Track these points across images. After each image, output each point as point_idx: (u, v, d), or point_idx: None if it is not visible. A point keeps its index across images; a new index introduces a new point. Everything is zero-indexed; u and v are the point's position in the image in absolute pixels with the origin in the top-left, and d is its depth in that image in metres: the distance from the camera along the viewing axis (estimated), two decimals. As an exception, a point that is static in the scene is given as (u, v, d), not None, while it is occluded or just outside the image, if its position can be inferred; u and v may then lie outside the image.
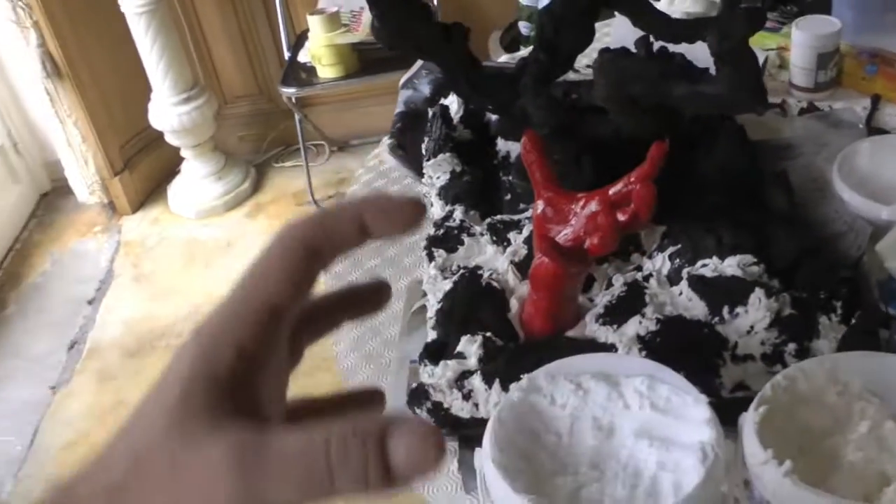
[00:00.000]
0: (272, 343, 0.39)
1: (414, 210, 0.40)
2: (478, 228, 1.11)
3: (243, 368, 0.37)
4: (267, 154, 3.33)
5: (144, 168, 3.24)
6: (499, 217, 1.13)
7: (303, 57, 2.80)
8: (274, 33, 3.05)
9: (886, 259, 0.94)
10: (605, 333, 0.92)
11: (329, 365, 2.38)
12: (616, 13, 1.11)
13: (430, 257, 1.09)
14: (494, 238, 1.09)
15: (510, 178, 1.19)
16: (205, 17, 3.10)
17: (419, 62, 1.47)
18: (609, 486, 0.72)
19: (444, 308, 1.01)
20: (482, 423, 0.87)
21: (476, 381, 0.89)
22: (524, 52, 1.85)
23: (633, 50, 1.03)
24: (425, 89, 1.43)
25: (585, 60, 1.31)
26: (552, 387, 0.80)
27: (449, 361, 0.92)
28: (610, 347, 0.90)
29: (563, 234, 0.92)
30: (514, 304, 0.99)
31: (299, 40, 2.89)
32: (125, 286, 2.84)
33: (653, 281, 0.96)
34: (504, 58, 1.82)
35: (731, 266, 0.94)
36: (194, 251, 2.94)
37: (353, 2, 2.70)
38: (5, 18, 2.81)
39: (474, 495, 0.87)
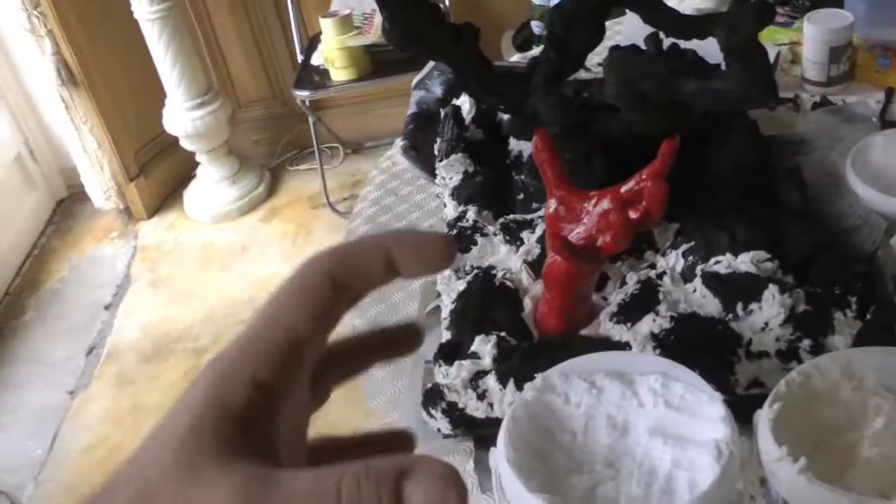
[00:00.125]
0: (291, 378, 0.37)
1: (445, 248, 0.39)
2: (491, 228, 1.11)
3: (259, 402, 0.35)
4: (281, 157, 3.34)
5: (159, 173, 3.25)
6: (512, 216, 1.13)
7: (316, 60, 2.81)
8: (287, 37, 3.06)
9: (902, 253, 0.94)
10: (619, 332, 0.91)
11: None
12: (627, 11, 1.11)
13: (444, 258, 1.09)
14: (507, 238, 1.09)
15: (523, 177, 1.19)
16: (218, 22, 3.11)
17: (431, 63, 1.48)
18: (624, 485, 0.72)
19: (457, 308, 1.01)
20: (497, 422, 0.87)
21: (490, 381, 0.89)
22: (536, 51, 1.85)
23: (644, 47, 1.03)
24: (437, 90, 1.43)
25: (596, 59, 1.31)
26: (566, 385, 0.80)
27: (463, 361, 0.92)
28: (624, 346, 0.90)
29: (576, 233, 0.92)
30: (527, 303, 0.99)
31: (312, 43, 2.90)
32: (142, 291, 2.85)
33: (666, 278, 0.96)
34: (516, 57, 1.82)
35: (744, 262, 0.93)
36: (210, 255, 2.95)
37: (365, 4, 2.70)
38: (21, 27, 2.83)
39: (490, 495, 0.87)
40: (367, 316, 1.14)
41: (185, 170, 3.22)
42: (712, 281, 0.93)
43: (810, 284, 0.92)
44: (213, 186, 3.12)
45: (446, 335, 1.00)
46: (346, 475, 0.33)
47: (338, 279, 0.38)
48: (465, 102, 1.34)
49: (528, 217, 1.11)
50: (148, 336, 2.65)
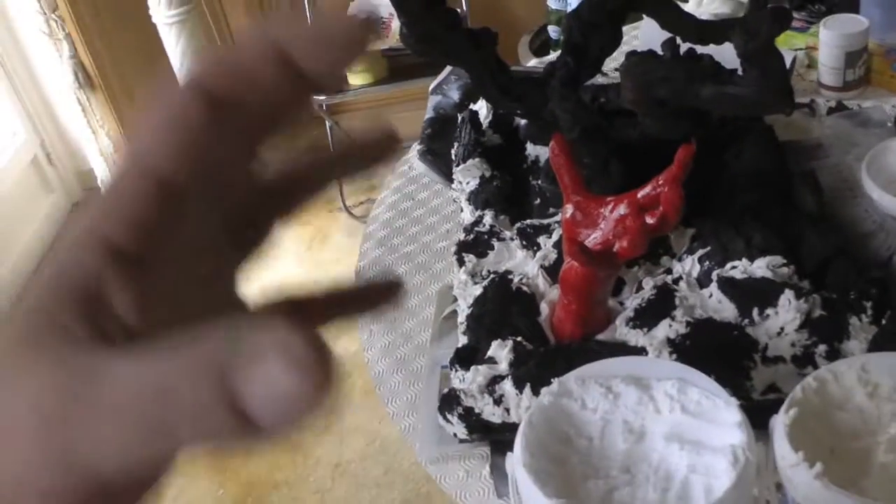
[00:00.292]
0: (164, 234, 0.29)
1: (354, 26, 0.29)
2: (507, 233, 1.12)
3: (110, 272, 0.28)
4: (297, 161, 3.35)
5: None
6: (528, 221, 1.13)
7: (332, 64, 2.81)
8: (303, 41, 3.06)
9: (918, 259, 0.93)
10: (635, 337, 0.92)
11: (361, 371, 2.39)
12: (644, 16, 1.11)
13: (461, 262, 1.10)
14: (524, 242, 1.09)
15: (539, 182, 1.19)
16: (235, 25, 3.13)
17: (448, 68, 1.48)
18: (640, 490, 0.72)
19: (474, 313, 1.01)
20: (513, 427, 0.88)
21: (507, 386, 0.90)
22: (553, 56, 1.86)
23: (660, 52, 1.03)
24: (454, 95, 1.44)
25: (613, 64, 1.31)
26: (583, 390, 0.80)
27: (480, 366, 0.92)
28: (640, 350, 0.90)
29: (593, 238, 0.92)
30: (544, 308, 1.00)
31: (328, 48, 2.90)
32: (158, 294, 2.86)
33: (682, 283, 0.96)
34: (533, 62, 1.83)
35: (760, 268, 0.93)
36: (226, 259, 2.96)
37: (383, 8, 2.71)
38: (38, 30, 2.85)
39: (506, 500, 0.87)
40: (383, 320, 1.15)
41: (202, 173, 3.23)
42: (728, 286, 0.93)
43: (826, 289, 0.92)
44: (229, 190, 3.13)
45: (463, 340, 1.00)
46: (176, 364, 0.25)
47: (215, 93, 0.29)
48: (482, 107, 1.35)
49: (545, 222, 1.12)
50: (164, 339, 2.66)
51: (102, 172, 3.11)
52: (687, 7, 1.35)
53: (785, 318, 0.88)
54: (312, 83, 0.30)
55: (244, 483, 2.13)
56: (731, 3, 1.52)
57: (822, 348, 0.87)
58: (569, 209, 0.96)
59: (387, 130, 0.36)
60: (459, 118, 1.35)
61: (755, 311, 0.90)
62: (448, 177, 1.32)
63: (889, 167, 1.07)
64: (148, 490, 0.30)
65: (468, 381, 0.92)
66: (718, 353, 0.87)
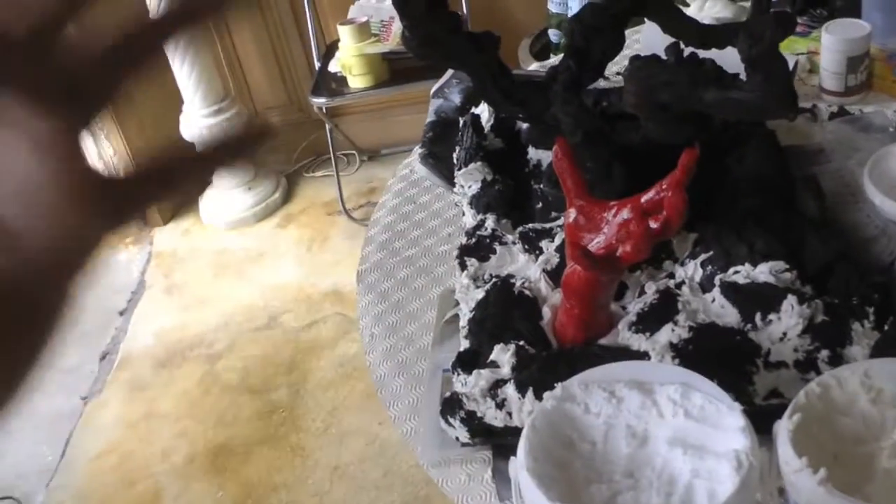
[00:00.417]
0: None
1: None
2: (510, 237, 1.12)
3: None
4: (297, 164, 3.35)
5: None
6: (530, 225, 1.13)
7: (333, 67, 2.82)
8: (304, 44, 3.07)
9: (920, 264, 0.94)
10: (637, 341, 0.92)
11: (361, 374, 2.40)
12: (646, 20, 1.11)
13: (463, 266, 1.10)
14: (526, 247, 1.09)
15: (541, 186, 1.19)
16: (235, 28, 3.13)
17: (450, 71, 1.48)
18: (644, 495, 0.72)
19: (476, 317, 1.01)
20: (516, 431, 0.88)
21: (509, 390, 0.90)
22: (554, 60, 1.86)
23: (664, 56, 1.03)
24: (456, 98, 1.44)
25: (615, 68, 1.31)
26: (586, 395, 0.80)
27: (482, 370, 0.92)
28: (643, 355, 0.90)
29: (596, 243, 0.92)
30: (546, 312, 1.00)
31: (329, 50, 2.91)
32: (156, 297, 2.86)
33: (685, 288, 0.96)
34: (534, 66, 1.83)
35: (763, 273, 0.93)
36: (225, 262, 2.96)
37: (383, 12, 2.72)
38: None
39: (509, 503, 0.87)
40: (385, 324, 1.15)
41: (202, 176, 3.23)
42: (731, 291, 0.93)
43: (828, 295, 0.92)
44: (228, 193, 3.14)
45: (465, 344, 1.00)
46: None
47: None
48: (484, 111, 1.35)
49: (547, 226, 1.12)
50: (162, 342, 2.66)
51: (102, 175, 3.10)
52: (689, 11, 1.35)
53: (788, 323, 0.88)
54: None
55: (243, 485, 2.13)
56: (733, 8, 1.52)
57: (824, 353, 0.87)
58: (572, 213, 0.96)
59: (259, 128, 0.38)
60: (461, 122, 1.35)
61: (758, 316, 0.90)
62: (449, 180, 1.32)
63: (891, 172, 1.07)
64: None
65: (470, 384, 0.92)
66: (721, 357, 0.87)
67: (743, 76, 0.99)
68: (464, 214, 1.22)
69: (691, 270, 0.99)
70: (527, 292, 1.02)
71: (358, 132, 3.27)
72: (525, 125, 1.30)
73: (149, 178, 0.37)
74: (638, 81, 0.94)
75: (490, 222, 1.14)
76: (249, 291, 2.79)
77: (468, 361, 0.96)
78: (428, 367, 1.05)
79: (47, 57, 0.33)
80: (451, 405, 0.92)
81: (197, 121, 2.95)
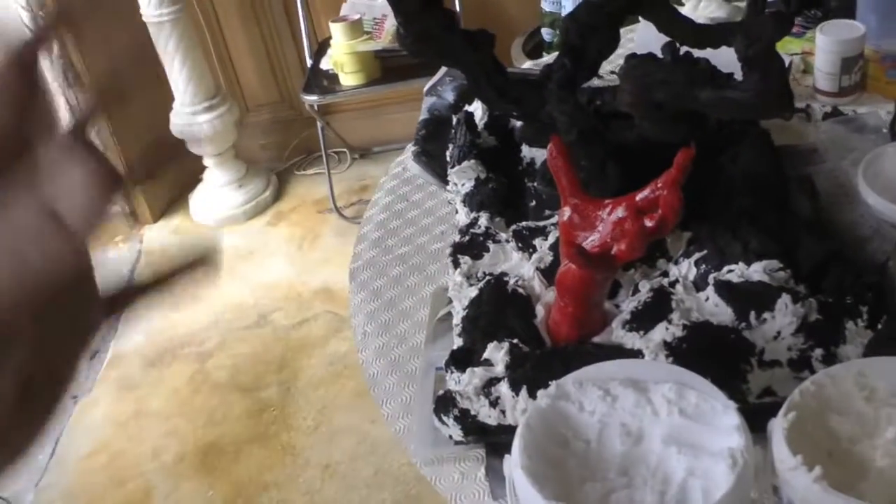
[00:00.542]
0: None
1: None
2: (503, 235, 1.12)
3: None
4: (289, 162, 3.34)
5: (166, 177, 3.25)
6: (524, 223, 1.13)
7: (325, 64, 2.81)
8: (296, 41, 3.07)
9: (912, 264, 0.94)
10: (631, 339, 0.92)
11: (351, 372, 2.39)
12: (640, 18, 1.11)
13: (456, 264, 1.09)
14: (520, 245, 1.09)
15: (535, 184, 1.19)
16: (227, 25, 3.12)
17: (443, 69, 1.48)
18: (638, 493, 0.72)
19: (470, 315, 1.01)
20: (509, 430, 0.88)
21: (503, 388, 0.89)
22: (548, 58, 1.86)
23: (660, 55, 1.03)
24: (449, 96, 1.44)
25: (609, 66, 1.31)
26: (580, 393, 0.80)
27: (476, 368, 0.92)
28: (636, 353, 0.90)
29: (590, 241, 0.92)
30: (539, 310, 1.00)
31: (321, 48, 2.91)
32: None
33: (679, 287, 0.96)
34: (528, 64, 1.83)
35: (757, 272, 0.93)
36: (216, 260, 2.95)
37: (376, 9, 2.71)
38: (25, 28, 2.82)
39: (502, 502, 0.87)
40: (377, 322, 1.14)
41: (192, 173, 3.22)
42: (725, 290, 0.93)
43: (822, 294, 0.92)
44: (219, 190, 3.13)
45: (458, 342, 1.00)
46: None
47: None
48: (477, 109, 1.35)
49: (541, 224, 1.12)
50: (152, 341, 2.65)
51: (92, 172, 3.09)
52: (683, 10, 1.35)
53: (782, 322, 0.88)
54: None
55: (234, 484, 2.13)
56: (727, 8, 1.52)
57: (818, 352, 0.87)
58: (566, 212, 0.95)
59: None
60: (454, 120, 1.35)
61: (752, 315, 0.90)
62: (443, 178, 1.31)
63: (885, 173, 1.07)
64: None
65: (464, 382, 0.92)
66: (715, 356, 0.87)
67: (737, 76, 0.99)
68: (457, 212, 1.22)
69: (685, 269, 0.99)
70: (520, 290, 1.02)
71: (349, 130, 3.26)
72: (518, 123, 1.30)
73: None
74: (634, 80, 0.94)
75: (483, 220, 1.14)
76: (240, 289, 2.78)
77: (462, 359, 0.95)
78: (421, 365, 1.05)
79: None
80: (444, 403, 0.91)
81: (187, 117, 2.94)
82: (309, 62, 2.90)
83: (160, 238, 3.11)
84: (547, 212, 1.15)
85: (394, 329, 1.13)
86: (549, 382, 0.84)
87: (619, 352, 0.91)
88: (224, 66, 3.20)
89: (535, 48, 2.75)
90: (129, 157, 3.08)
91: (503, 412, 0.89)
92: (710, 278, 0.95)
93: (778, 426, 0.73)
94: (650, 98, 0.94)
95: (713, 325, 0.91)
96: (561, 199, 0.97)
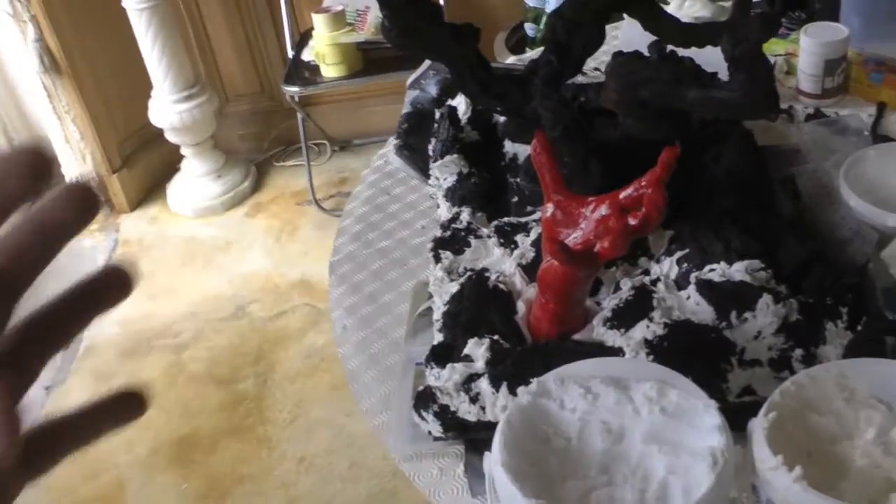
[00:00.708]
0: None
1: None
2: (485, 230, 1.11)
3: None
4: (268, 153, 3.33)
5: (143, 166, 3.23)
6: (506, 219, 1.13)
7: (306, 55, 2.80)
8: (277, 31, 3.05)
9: (892, 266, 0.94)
10: (612, 337, 0.91)
11: (329, 365, 2.38)
12: (625, 16, 1.11)
13: (437, 259, 1.09)
14: (502, 240, 1.09)
15: (518, 180, 1.19)
16: (207, 13, 3.10)
17: (426, 62, 1.47)
18: (618, 491, 0.72)
19: (450, 310, 1.01)
20: (489, 426, 0.88)
21: (483, 385, 0.89)
22: (532, 53, 1.85)
23: (645, 53, 1.03)
24: (432, 90, 1.43)
25: (592, 63, 1.31)
26: (562, 391, 0.80)
27: (456, 364, 0.92)
28: (617, 351, 0.90)
29: (573, 238, 0.92)
30: (520, 306, 0.99)
31: (303, 39, 2.89)
32: (123, 284, 2.83)
33: (660, 285, 0.96)
34: (511, 59, 1.82)
35: (738, 271, 0.94)
36: (193, 250, 2.94)
37: (359, 1, 2.70)
38: (2, 11, 2.79)
39: (481, 499, 0.86)
40: (357, 316, 1.14)
41: (170, 163, 3.20)
42: (706, 289, 0.93)
43: (802, 294, 0.93)
44: (197, 180, 3.11)
45: (438, 337, 1.00)
46: None
47: None
48: (460, 103, 1.34)
49: (523, 220, 1.11)
50: (127, 331, 2.63)
51: (68, 160, 3.07)
52: (668, 9, 1.35)
53: (763, 321, 0.88)
54: None
55: (208, 477, 2.12)
56: (712, 7, 1.52)
57: (798, 352, 0.87)
58: (549, 208, 0.95)
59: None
60: (437, 114, 1.35)
61: (733, 315, 0.90)
62: (424, 172, 1.31)
63: (866, 175, 1.08)
64: None
65: (444, 378, 0.91)
66: (695, 355, 0.88)
67: (721, 76, 0.99)
68: (438, 207, 1.22)
69: (667, 267, 0.99)
70: (501, 286, 1.02)
71: (330, 122, 3.25)
72: (502, 118, 1.30)
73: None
74: (620, 78, 0.94)
75: (465, 215, 1.14)
76: (217, 281, 2.76)
77: (442, 355, 0.95)
78: (401, 360, 1.04)
79: None
80: (424, 399, 0.91)
81: (166, 106, 2.92)
82: (290, 53, 2.89)
83: (137, 228, 3.09)
84: (529, 208, 1.15)
85: (374, 324, 1.12)
86: (530, 379, 0.84)
87: (600, 349, 0.91)
88: (204, 56, 3.18)
89: (518, 43, 2.75)
90: (106, 145, 3.06)
91: (483, 408, 0.89)
92: (692, 277, 0.96)
93: (758, 426, 0.73)
94: (636, 96, 0.94)
95: (694, 323, 0.91)
96: (544, 195, 0.97)
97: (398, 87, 1.53)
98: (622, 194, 0.89)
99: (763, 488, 0.72)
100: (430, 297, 1.07)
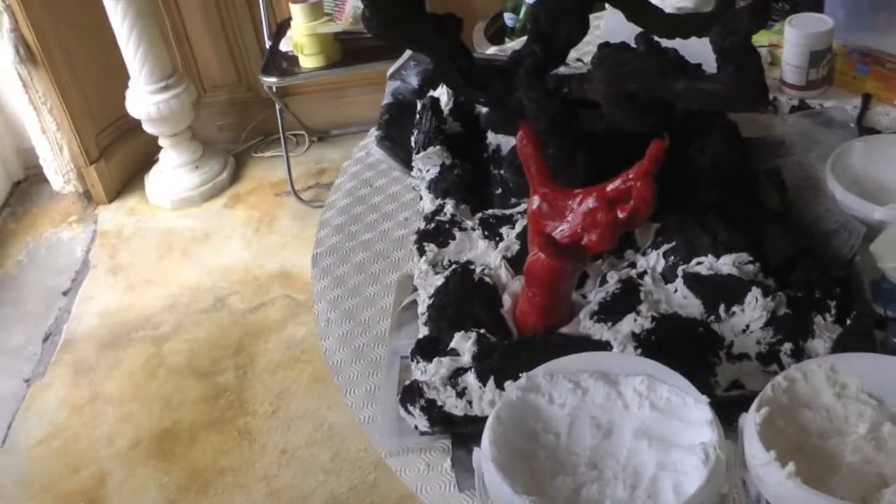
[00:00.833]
0: None
1: None
2: (469, 223, 1.10)
3: None
4: (246, 144, 3.30)
5: (121, 157, 3.20)
6: (491, 211, 1.12)
7: (284, 46, 2.78)
8: (255, 21, 3.02)
9: (880, 259, 0.94)
10: (599, 331, 0.91)
11: (309, 357, 2.37)
12: (607, 5, 1.10)
13: (421, 252, 1.08)
14: (486, 233, 1.08)
15: (502, 171, 1.18)
16: (184, 3, 3.07)
17: (407, 53, 1.46)
18: (608, 487, 0.71)
19: (436, 304, 1.00)
20: (476, 420, 0.87)
21: (470, 379, 0.88)
22: (512, 44, 1.84)
23: (628, 43, 1.02)
24: (413, 80, 1.42)
25: (575, 54, 1.30)
26: (551, 386, 0.79)
27: (442, 358, 0.91)
28: (605, 345, 0.89)
29: (560, 231, 0.91)
30: (506, 300, 0.99)
31: (281, 29, 2.87)
32: (101, 277, 2.81)
33: (647, 278, 0.96)
34: (492, 50, 1.81)
35: (726, 264, 0.93)
36: (171, 242, 2.91)
37: (336, -10, 2.68)
38: (-24, 2, 2.76)
39: (468, 494, 0.86)
40: (341, 309, 1.13)
41: (148, 154, 3.17)
42: (694, 282, 0.93)
43: (790, 287, 0.92)
44: (175, 171, 3.08)
45: (424, 330, 0.99)
46: None
47: None
48: (442, 94, 1.33)
49: (508, 212, 1.11)
50: (107, 324, 2.61)
51: (44, 150, 3.03)
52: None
53: (751, 315, 0.88)
54: None
55: (189, 470, 2.10)
56: (695, -2, 1.52)
57: (787, 346, 0.87)
58: (535, 201, 0.95)
59: None
60: (419, 105, 1.33)
61: (721, 308, 0.89)
62: (406, 164, 1.30)
63: (852, 167, 1.07)
64: None
65: (430, 372, 0.90)
66: (684, 348, 0.87)
67: (705, 67, 0.98)
68: (421, 199, 1.21)
69: (653, 260, 0.98)
70: (487, 279, 1.01)
71: (308, 112, 3.23)
72: (484, 109, 1.29)
73: None
74: (607, 69, 0.93)
75: (449, 207, 1.13)
76: (196, 272, 2.74)
77: (427, 349, 0.94)
78: (386, 353, 1.03)
79: None
80: (410, 393, 0.90)
81: (143, 97, 2.89)
82: (268, 43, 2.87)
83: (115, 219, 3.06)
84: (513, 200, 1.14)
85: (358, 316, 1.11)
86: (517, 373, 0.84)
87: (587, 343, 0.90)
88: (181, 46, 3.15)
89: (497, 33, 2.74)
90: (83, 136, 3.03)
91: (470, 403, 0.88)
92: (679, 270, 0.95)
93: (750, 421, 0.72)
94: (623, 88, 0.93)
95: (682, 317, 0.91)
96: (530, 187, 0.96)
97: (376, 78, 1.52)
98: (609, 187, 0.88)
99: (754, 484, 0.71)
100: (415, 289, 1.07)
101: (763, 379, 0.84)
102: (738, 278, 0.91)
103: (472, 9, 2.85)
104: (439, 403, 0.89)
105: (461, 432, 0.90)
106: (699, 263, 0.95)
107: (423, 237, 1.10)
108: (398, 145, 1.35)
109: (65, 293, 2.75)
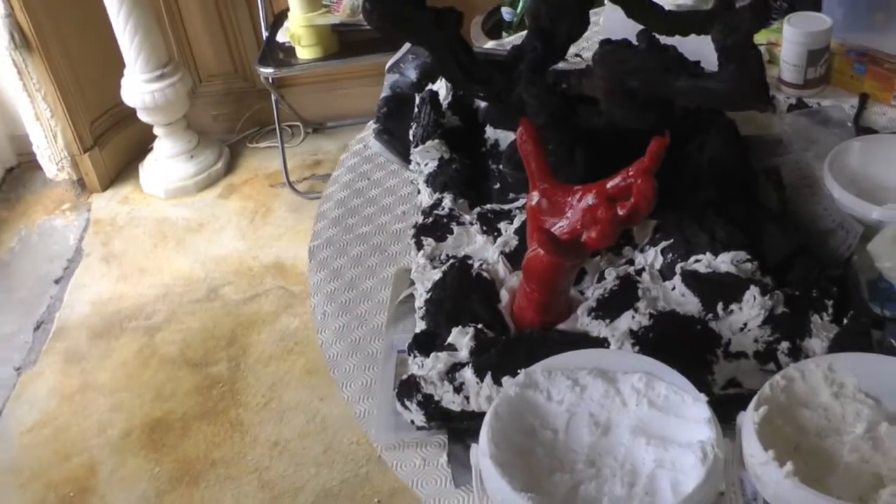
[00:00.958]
0: None
1: None
2: (467, 217, 1.10)
3: None
4: (241, 134, 3.29)
5: (115, 145, 3.19)
6: (489, 206, 1.12)
7: (281, 37, 2.77)
8: (252, 12, 3.01)
9: (877, 259, 0.94)
10: (597, 327, 0.91)
11: (302, 349, 2.37)
12: (606, 2, 1.10)
13: (419, 246, 1.08)
14: (484, 228, 1.08)
15: (500, 166, 1.18)
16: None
17: (406, 46, 1.46)
18: (607, 484, 0.72)
19: (433, 298, 1.00)
20: (473, 416, 0.87)
21: (467, 374, 0.88)
22: (511, 38, 1.84)
23: (627, 39, 1.02)
24: (412, 74, 1.42)
25: (574, 49, 1.30)
26: (549, 382, 0.79)
27: (440, 353, 0.91)
28: (602, 341, 0.89)
29: (559, 227, 0.91)
30: (504, 295, 0.99)
31: (278, 19, 2.86)
32: (94, 266, 2.80)
33: (645, 275, 0.96)
34: (490, 44, 1.81)
35: (724, 262, 0.93)
36: (165, 231, 2.90)
37: (334, -18, 2.67)
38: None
39: (464, 489, 0.86)
40: (337, 302, 1.13)
41: (142, 143, 3.16)
42: (692, 279, 0.93)
43: (787, 286, 0.92)
44: (170, 160, 3.07)
45: (421, 325, 0.99)
46: None
47: None
48: (441, 88, 1.33)
49: (506, 207, 1.11)
50: (99, 312, 2.60)
51: (38, 137, 3.02)
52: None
53: (749, 313, 0.88)
54: None
55: (181, 461, 2.10)
56: (695, -5, 1.52)
57: (784, 345, 0.87)
58: (535, 196, 0.94)
59: None
60: (418, 98, 1.33)
61: (719, 306, 0.90)
62: (404, 157, 1.30)
63: (850, 167, 1.08)
64: None
65: (427, 367, 0.90)
66: (681, 346, 0.87)
67: (705, 65, 0.98)
68: (419, 192, 1.20)
69: (651, 257, 0.98)
70: (484, 274, 1.01)
71: (304, 104, 3.22)
72: (483, 104, 1.28)
73: None
74: (608, 66, 0.93)
75: (447, 201, 1.13)
76: (189, 262, 2.73)
77: (425, 343, 0.94)
78: (382, 347, 1.03)
79: None
80: (407, 388, 0.90)
81: (138, 85, 2.88)
82: (265, 34, 2.86)
83: (109, 208, 3.05)
84: (511, 195, 1.14)
85: (354, 310, 1.11)
86: (514, 369, 0.84)
87: (585, 339, 0.90)
88: (177, 35, 3.14)
89: (494, 27, 2.73)
90: (78, 123, 3.02)
91: (467, 398, 0.88)
92: (677, 268, 0.95)
93: (748, 420, 0.72)
94: (624, 85, 0.93)
95: (679, 314, 0.91)
96: (529, 183, 0.96)
97: (373, 70, 1.51)
98: (610, 184, 0.88)
99: (751, 482, 0.71)
100: (412, 283, 1.06)
101: (760, 377, 0.84)
102: (735, 276, 0.91)
103: (470, 3, 2.84)
104: (436, 398, 0.89)
105: (458, 427, 0.90)
106: (697, 261, 0.95)
107: (420, 231, 1.10)
108: (396, 138, 1.35)
109: (57, 281, 2.74)
